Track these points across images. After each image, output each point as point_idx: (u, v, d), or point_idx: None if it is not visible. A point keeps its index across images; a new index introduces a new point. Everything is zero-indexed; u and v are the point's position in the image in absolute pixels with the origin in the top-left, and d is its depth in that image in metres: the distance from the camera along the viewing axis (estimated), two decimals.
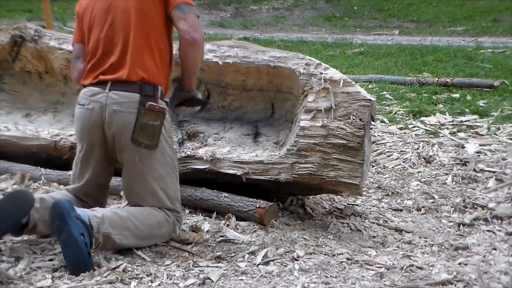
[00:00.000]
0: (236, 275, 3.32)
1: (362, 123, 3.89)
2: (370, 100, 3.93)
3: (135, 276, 3.22)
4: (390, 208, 4.71)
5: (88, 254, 3.17)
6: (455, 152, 5.97)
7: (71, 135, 4.75)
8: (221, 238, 3.85)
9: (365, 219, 4.43)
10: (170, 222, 3.67)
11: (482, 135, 6.55)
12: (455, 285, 3.19)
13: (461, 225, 4.32)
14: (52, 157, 4.81)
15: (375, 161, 5.79)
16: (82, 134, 3.70)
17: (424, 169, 5.60)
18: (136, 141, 3.52)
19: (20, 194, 3.56)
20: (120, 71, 3.56)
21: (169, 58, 3.76)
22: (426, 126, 6.98)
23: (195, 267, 3.41)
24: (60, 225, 3.19)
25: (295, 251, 3.65)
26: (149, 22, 3.60)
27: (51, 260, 3.36)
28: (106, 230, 3.36)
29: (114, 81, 3.56)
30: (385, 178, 5.40)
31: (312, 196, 4.69)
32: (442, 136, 6.55)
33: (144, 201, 3.65)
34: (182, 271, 3.33)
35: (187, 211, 4.32)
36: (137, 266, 3.35)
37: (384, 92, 8.77)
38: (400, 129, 6.90)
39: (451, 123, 7.04)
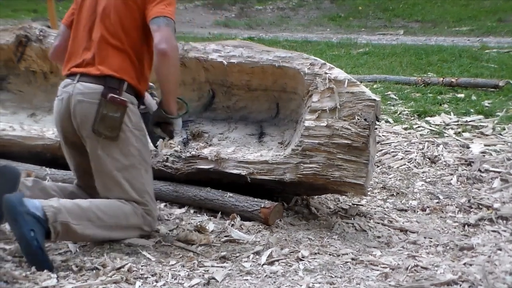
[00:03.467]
0: (241, 275, 3.32)
1: (367, 123, 3.89)
2: (375, 100, 3.93)
3: (140, 276, 3.23)
4: (395, 208, 4.70)
5: (39, 248, 3.18)
6: (460, 152, 5.96)
7: None
8: (226, 238, 3.85)
9: (370, 219, 4.42)
10: (138, 214, 3.66)
11: (487, 135, 6.53)
12: (460, 286, 3.19)
13: (466, 226, 4.31)
14: (57, 157, 4.81)
15: (380, 161, 5.79)
16: (57, 125, 3.79)
17: (429, 169, 5.59)
18: (96, 131, 3.54)
19: (3, 169, 3.64)
20: (91, 68, 3.61)
21: (148, 64, 3.76)
22: (431, 126, 6.96)
23: (200, 267, 3.41)
24: (11, 223, 3.24)
25: (300, 251, 3.65)
26: (124, 26, 3.63)
27: (55, 259, 3.36)
28: (64, 219, 3.36)
29: (83, 73, 3.62)
30: (390, 178, 5.40)
31: (317, 196, 4.69)
32: (447, 136, 6.54)
33: (110, 193, 3.66)
34: (187, 271, 3.33)
35: (191, 211, 4.32)
36: (142, 266, 3.35)
37: (389, 92, 8.76)
38: (405, 129, 6.89)
39: (456, 123, 7.03)
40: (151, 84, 4.02)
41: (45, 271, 3.15)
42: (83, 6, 3.78)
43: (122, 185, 3.64)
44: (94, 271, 3.23)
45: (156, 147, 4.09)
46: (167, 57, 3.47)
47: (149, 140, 3.96)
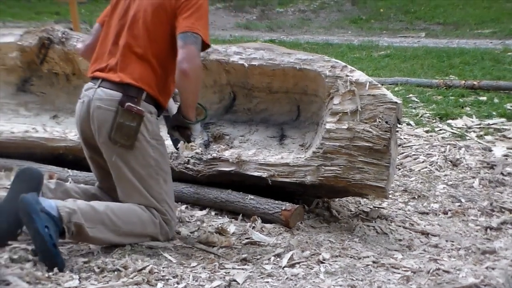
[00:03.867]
0: (262, 278, 3.32)
1: (388, 125, 3.88)
2: (396, 102, 3.92)
3: (161, 277, 3.23)
4: (417, 211, 4.68)
5: (53, 245, 3.20)
6: (482, 155, 5.93)
7: None
8: (246, 240, 3.85)
9: (391, 222, 4.41)
10: (156, 223, 3.66)
11: (509, 138, 6.49)
12: None
13: (488, 229, 4.29)
14: (79, 159, 4.83)
15: (401, 164, 5.77)
16: (78, 127, 3.80)
17: (450, 172, 5.57)
18: (112, 139, 3.54)
19: (26, 171, 3.65)
20: (113, 74, 3.61)
21: (173, 75, 3.70)
22: (452, 129, 6.93)
23: (221, 269, 3.41)
24: (27, 220, 3.24)
25: (320, 254, 3.64)
26: (151, 36, 3.61)
27: (77, 261, 3.38)
28: (78, 220, 3.38)
29: (104, 79, 3.62)
30: (411, 181, 5.37)
31: (337, 199, 4.68)
32: (469, 139, 6.50)
33: (131, 199, 3.67)
34: (208, 273, 3.34)
35: (213, 213, 4.33)
36: (163, 267, 3.35)
37: (411, 95, 8.73)
38: (427, 132, 6.86)
39: (478, 126, 6.99)
40: None
41: (68, 272, 3.18)
42: (116, 9, 3.79)
43: (141, 191, 3.65)
44: (116, 272, 3.24)
45: (177, 149, 4.10)
46: (188, 76, 3.48)
47: (170, 143, 3.98)
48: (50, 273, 3.15)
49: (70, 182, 4.61)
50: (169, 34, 3.61)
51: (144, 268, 3.30)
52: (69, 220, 3.35)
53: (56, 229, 3.27)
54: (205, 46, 3.61)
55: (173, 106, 3.90)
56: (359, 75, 4.08)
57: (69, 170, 4.82)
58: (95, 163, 3.90)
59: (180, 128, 3.75)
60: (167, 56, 3.64)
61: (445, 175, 5.51)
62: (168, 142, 4.14)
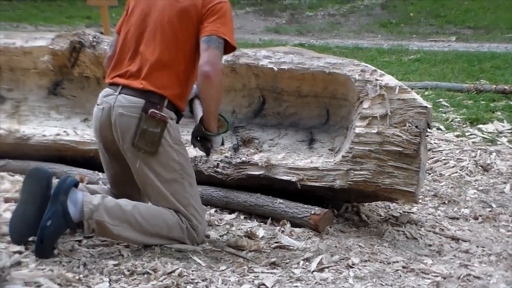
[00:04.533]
0: (291, 282, 3.32)
1: (418, 130, 3.86)
2: (426, 107, 3.90)
3: (191, 280, 3.25)
4: (447, 217, 4.65)
5: (42, 236, 3.31)
6: None
7: None
8: (276, 244, 3.85)
9: (421, 227, 4.38)
10: (183, 228, 3.68)
11: None
12: None
13: None
14: None
15: (431, 168, 5.73)
16: (96, 133, 3.84)
17: (481, 177, 5.53)
18: (136, 146, 3.57)
19: (35, 171, 3.65)
20: (134, 81, 3.62)
21: (193, 81, 3.76)
22: (483, 133, 6.88)
23: (250, 272, 3.42)
24: (49, 202, 3.37)
25: (350, 259, 3.63)
26: (176, 41, 3.62)
27: (108, 264, 3.40)
28: (99, 218, 3.45)
29: (125, 85, 3.63)
30: (441, 186, 5.34)
31: (367, 203, 4.66)
32: (500, 144, 6.45)
33: (158, 204, 3.70)
34: (237, 277, 3.34)
35: (242, 217, 4.34)
36: (192, 271, 3.37)
37: (441, 99, 8.67)
38: (457, 136, 6.81)
39: (509, 131, 6.93)
40: None
41: (98, 274, 3.21)
42: (133, 15, 3.79)
43: (167, 197, 3.66)
44: (146, 275, 3.26)
45: (207, 155, 4.07)
46: (209, 80, 3.48)
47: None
48: (81, 275, 3.18)
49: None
50: (194, 40, 3.62)
51: (173, 271, 3.32)
52: (91, 217, 3.43)
53: (61, 225, 3.36)
54: (230, 48, 3.63)
55: (199, 114, 3.90)
56: (389, 79, 4.07)
57: (99, 173, 4.85)
58: (111, 170, 3.93)
59: (201, 139, 3.76)
60: (190, 62, 3.66)
61: (476, 180, 5.47)
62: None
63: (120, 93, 3.63)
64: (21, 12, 20.70)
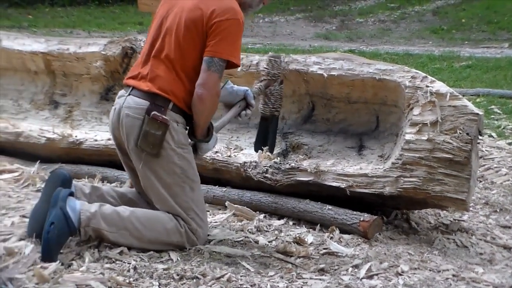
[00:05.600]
0: None
1: (469, 137, 3.83)
2: (477, 114, 3.86)
3: (239, 286, 3.26)
4: (498, 225, 4.59)
5: (47, 240, 3.34)
6: None
7: None
8: (324, 251, 3.84)
9: (471, 235, 4.33)
10: (181, 232, 3.69)
11: None
12: None
13: None
14: None
15: (482, 176, 5.65)
16: (111, 134, 3.95)
17: None
18: (139, 147, 3.63)
19: (53, 175, 3.81)
20: (142, 83, 3.71)
21: None
22: None
23: (299, 278, 3.42)
24: (49, 210, 3.44)
25: (399, 266, 3.61)
26: (182, 48, 3.68)
27: (157, 267, 3.43)
28: (96, 226, 3.52)
29: (135, 87, 3.72)
30: (493, 194, 5.26)
31: (417, 211, 4.62)
32: None
33: (159, 206, 3.75)
34: (286, 283, 3.34)
35: (290, 223, 4.33)
36: (241, 276, 3.38)
37: (493, 106, 8.57)
38: (509, 144, 6.71)
39: None
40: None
41: (148, 278, 3.24)
42: (154, 20, 3.91)
43: (167, 200, 3.71)
44: (195, 280, 3.28)
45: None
46: (202, 102, 3.65)
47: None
48: (131, 279, 3.22)
49: (120, 186, 4.70)
50: (199, 51, 3.68)
51: (222, 276, 3.34)
52: (88, 224, 3.51)
53: (64, 229, 3.41)
54: (234, 65, 3.75)
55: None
56: (439, 86, 4.04)
57: None
58: (129, 168, 4.00)
59: (193, 146, 3.89)
60: (195, 71, 3.70)
61: None
62: (252, 151, 4.24)
63: (129, 94, 3.73)
64: (75, 18, 20.99)
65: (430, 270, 3.61)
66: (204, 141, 3.85)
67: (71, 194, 3.57)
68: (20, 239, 3.63)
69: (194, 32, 3.66)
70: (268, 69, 4.36)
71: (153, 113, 3.59)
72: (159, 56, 3.71)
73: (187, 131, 3.81)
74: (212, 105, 3.70)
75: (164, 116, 3.61)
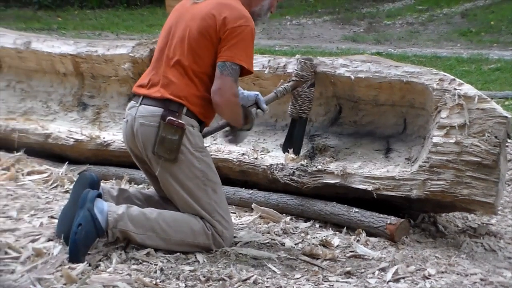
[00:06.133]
0: None
1: (498, 140, 3.80)
2: (506, 117, 3.84)
3: None
4: None
5: (74, 241, 3.36)
6: None
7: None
8: (351, 254, 3.84)
9: (500, 239, 4.30)
10: (208, 234, 3.70)
11: None
12: None
13: None
14: None
15: (511, 180, 5.62)
16: (126, 146, 3.96)
17: None
18: (156, 154, 3.64)
19: (81, 177, 3.86)
20: (154, 89, 3.72)
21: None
22: None
23: (325, 281, 3.41)
24: (77, 211, 3.46)
25: (426, 269, 3.59)
26: (194, 54, 3.69)
27: (184, 269, 3.45)
28: (124, 227, 3.54)
29: (145, 96, 3.73)
30: None
31: (444, 214, 4.60)
32: None
33: (184, 210, 3.76)
34: (312, 285, 3.34)
35: (317, 225, 4.33)
36: (267, 278, 3.38)
37: None
38: None
39: None
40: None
41: (175, 279, 3.26)
42: (163, 29, 3.93)
43: (191, 204, 3.71)
44: (221, 281, 3.29)
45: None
46: (220, 108, 3.71)
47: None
48: (158, 280, 3.23)
49: (147, 189, 4.72)
50: (213, 58, 3.70)
51: (248, 278, 3.34)
52: (115, 226, 3.53)
53: (92, 231, 3.44)
54: (247, 72, 3.76)
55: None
56: (467, 89, 4.02)
57: None
58: (150, 176, 4.02)
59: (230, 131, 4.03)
60: (209, 76, 3.72)
61: None
62: (278, 153, 4.24)
63: (140, 103, 3.73)
64: (103, 20, 21.17)
65: (457, 274, 3.59)
66: (244, 129, 3.94)
67: (99, 195, 3.59)
68: (49, 240, 3.68)
69: (208, 38, 3.67)
70: (297, 70, 4.35)
71: (168, 118, 3.61)
72: (170, 62, 3.73)
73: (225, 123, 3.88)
74: (232, 107, 3.73)
75: (180, 121, 3.63)
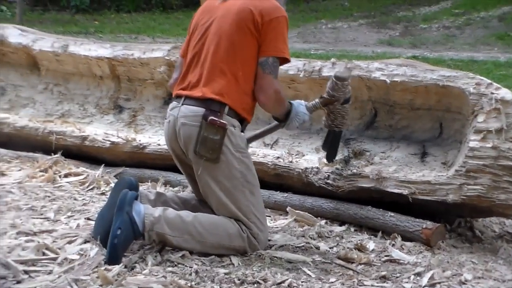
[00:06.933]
0: None
1: None
2: None
3: None
4: None
5: (114, 245, 3.39)
6: None
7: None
8: (386, 258, 3.82)
9: None
10: (243, 237, 3.70)
11: None
12: None
13: None
14: None
15: None
16: (168, 146, 4.00)
17: None
18: (198, 153, 3.65)
19: (120, 181, 3.95)
20: (195, 90, 3.73)
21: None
22: None
23: (360, 286, 3.39)
24: (114, 214, 3.48)
25: (462, 275, 3.56)
26: (234, 50, 3.71)
27: (219, 272, 3.46)
28: (160, 230, 3.56)
29: (187, 96, 3.75)
30: None
31: (481, 219, 4.56)
32: None
33: (219, 212, 3.76)
34: None
35: (352, 229, 4.32)
36: (302, 282, 3.38)
37: None
38: None
39: None
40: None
41: (210, 282, 3.27)
42: (194, 34, 3.92)
43: (228, 205, 3.71)
44: (256, 284, 3.29)
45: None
46: (265, 105, 3.81)
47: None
48: (193, 283, 3.24)
49: (182, 192, 4.74)
50: (252, 50, 3.72)
51: (283, 281, 3.34)
52: (151, 229, 3.55)
53: (129, 233, 3.48)
54: (284, 61, 3.81)
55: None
56: (505, 93, 3.98)
57: None
58: (189, 177, 4.04)
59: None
60: (251, 70, 3.74)
61: None
62: (313, 157, 4.23)
63: (182, 104, 3.75)
64: (139, 24, 21.33)
65: (494, 280, 3.55)
66: (283, 123, 3.99)
67: (136, 197, 3.63)
68: (85, 241, 3.72)
69: (247, 32, 3.69)
70: (328, 88, 4.17)
71: (210, 117, 3.62)
72: (208, 62, 3.74)
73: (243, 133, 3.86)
74: (275, 103, 3.79)
75: (221, 120, 3.64)
